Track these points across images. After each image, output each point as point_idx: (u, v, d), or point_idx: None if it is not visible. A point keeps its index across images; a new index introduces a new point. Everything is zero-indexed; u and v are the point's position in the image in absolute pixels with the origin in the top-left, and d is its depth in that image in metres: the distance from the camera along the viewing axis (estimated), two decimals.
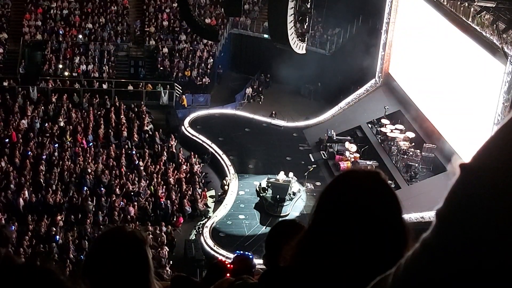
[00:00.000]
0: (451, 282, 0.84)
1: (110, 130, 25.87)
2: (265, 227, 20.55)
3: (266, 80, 32.52)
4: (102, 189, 21.63)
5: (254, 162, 24.98)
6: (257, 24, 32.21)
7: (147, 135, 26.13)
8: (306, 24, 22.38)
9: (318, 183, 22.65)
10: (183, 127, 26.47)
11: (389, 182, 1.77)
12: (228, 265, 4.43)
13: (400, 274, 0.93)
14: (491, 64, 18.99)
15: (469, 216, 0.85)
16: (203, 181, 23.47)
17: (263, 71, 32.28)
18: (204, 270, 18.33)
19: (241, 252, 4.34)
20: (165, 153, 24.40)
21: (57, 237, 19.15)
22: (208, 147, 25.16)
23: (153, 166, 23.45)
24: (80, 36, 32.07)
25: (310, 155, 25.24)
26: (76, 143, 24.58)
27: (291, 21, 20.45)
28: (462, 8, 19.57)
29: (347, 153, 24.15)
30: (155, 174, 22.86)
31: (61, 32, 31.92)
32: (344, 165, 23.01)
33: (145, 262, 2.45)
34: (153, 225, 20.21)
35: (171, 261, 18.93)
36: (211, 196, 23.06)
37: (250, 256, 4.28)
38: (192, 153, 24.71)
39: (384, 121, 25.41)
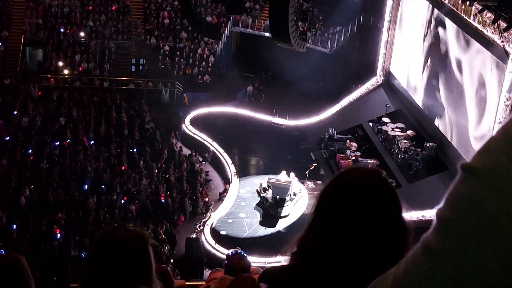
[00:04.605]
0: (451, 285, 0.83)
1: (111, 128, 25.86)
2: (265, 227, 20.56)
3: (267, 78, 32.48)
4: (103, 187, 21.64)
5: (255, 160, 24.95)
6: (258, 23, 32.15)
7: (148, 133, 26.12)
8: (307, 22, 22.38)
9: (319, 182, 22.66)
10: (184, 125, 26.46)
11: (390, 180, 1.76)
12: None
13: (400, 274, 0.93)
14: (492, 63, 18.94)
15: (469, 217, 0.84)
16: (204, 179, 23.45)
17: (264, 70, 32.23)
18: (204, 268, 18.36)
19: (235, 251, 4.28)
20: (166, 151, 24.40)
21: (58, 235, 19.16)
22: (209, 145, 25.16)
23: (154, 164, 23.44)
24: (81, 33, 32.06)
25: (311, 153, 25.22)
26: (77, 141, 24.58)
27: (292, 19, 20.42)
28: (463, 7, 19.53)
29: (348, 152, 24.11)
30: (156, 172, 22.86)
31: (62, 30, 31.92)
32: (345, 163, 22.98)
33: (147, 260, 2.44)
34: (154, 223, 20.21)
35: (172, 259, 18.94)
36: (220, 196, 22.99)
37: (244, 255, 4.25)
38: (193, 151, 24.71)
39: (385, 119, 25.38)
